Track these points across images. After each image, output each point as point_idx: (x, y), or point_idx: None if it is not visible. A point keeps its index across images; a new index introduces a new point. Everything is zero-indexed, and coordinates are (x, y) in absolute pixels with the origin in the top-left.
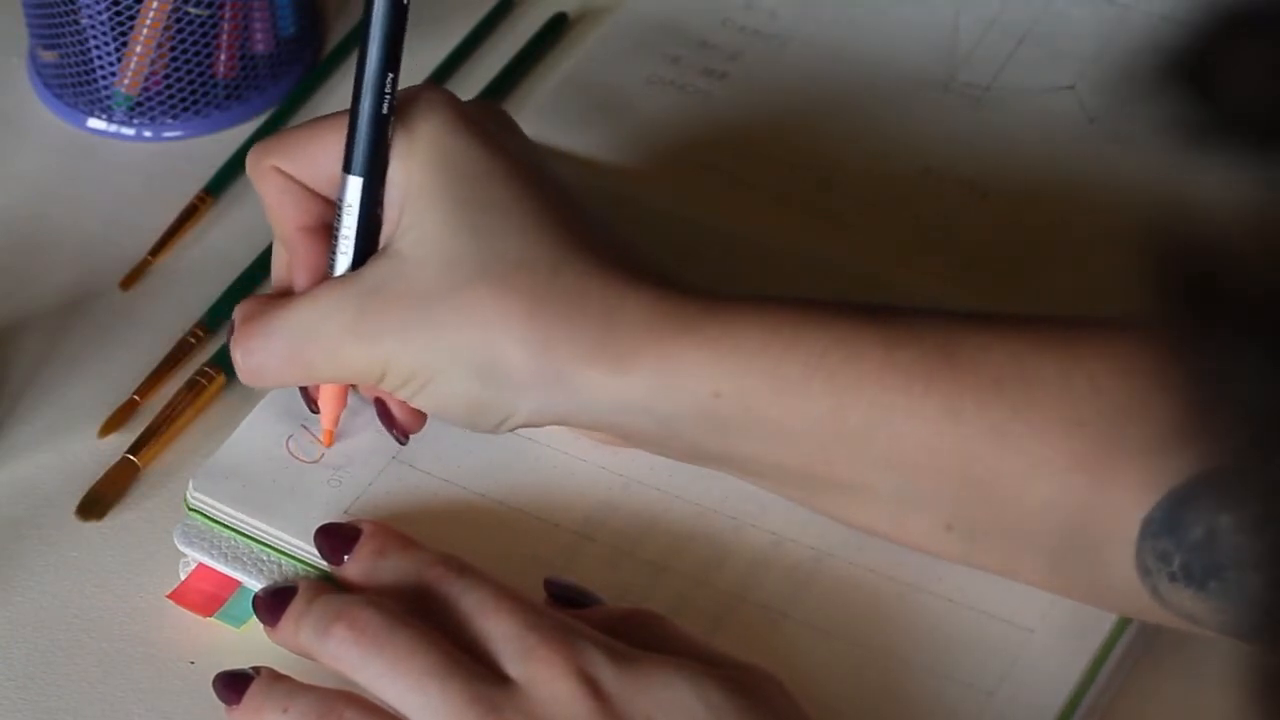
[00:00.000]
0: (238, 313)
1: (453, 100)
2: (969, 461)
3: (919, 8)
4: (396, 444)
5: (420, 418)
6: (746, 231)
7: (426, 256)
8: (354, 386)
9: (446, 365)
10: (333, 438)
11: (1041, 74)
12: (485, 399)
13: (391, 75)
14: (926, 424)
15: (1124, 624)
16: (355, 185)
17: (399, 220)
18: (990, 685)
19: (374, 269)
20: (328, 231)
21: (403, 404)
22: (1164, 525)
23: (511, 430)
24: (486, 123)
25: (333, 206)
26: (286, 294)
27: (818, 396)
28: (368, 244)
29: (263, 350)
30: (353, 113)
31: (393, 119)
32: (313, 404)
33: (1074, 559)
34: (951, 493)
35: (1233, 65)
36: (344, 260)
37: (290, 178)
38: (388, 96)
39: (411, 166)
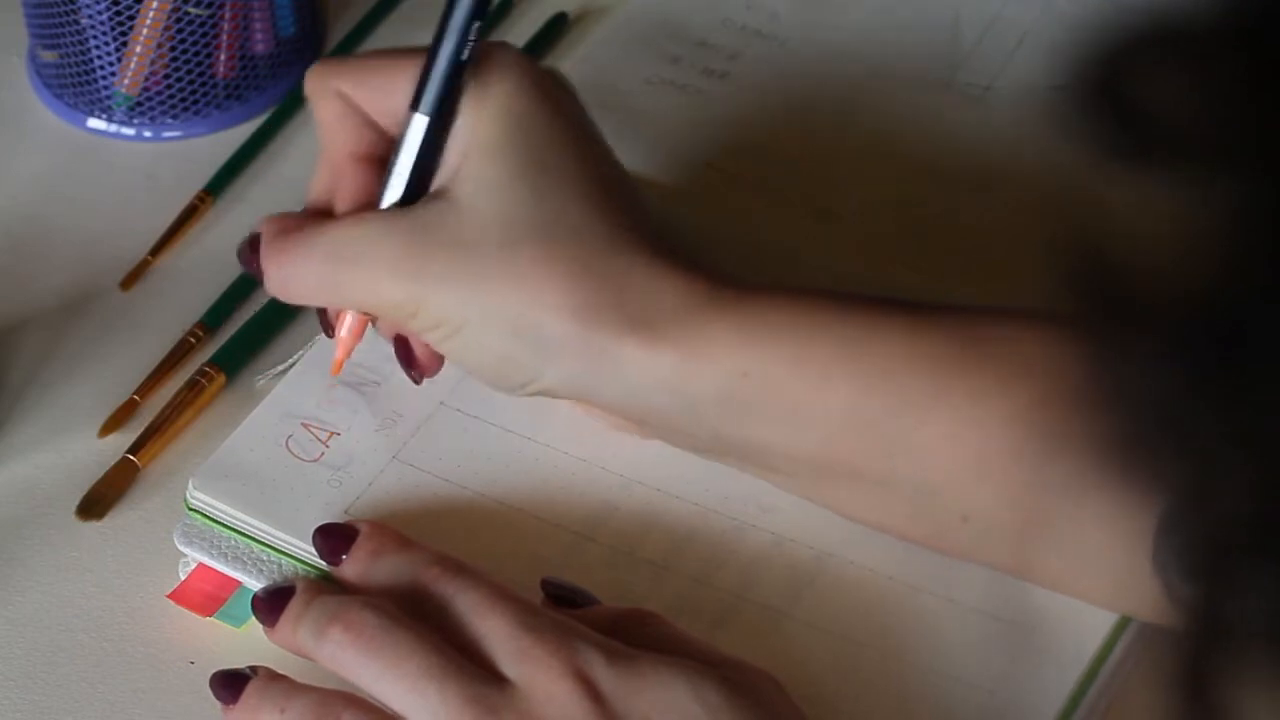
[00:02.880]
0: (267, 226)
1: (527, 61)
2: (988, 451)
3: (919, 8)
4: (396, 444)
5: (438, 360)
6: (747, 232)
7: (483, 208)
8: (373, 322)
9: (480, 317)
10: (340, 368)
11: (1041, 74)
12: (514, 357)
13: (478, 23)
14: (949, 411)
15: (1124, 624)
16: (420, 124)
17: (458, 168)
18: (990, 685)
19: (427, 209)
20: (379, 163)
21: (425, 345)
22: (1180, 520)
23: (532, 395)
24: (555, 90)
25: (388, 139)
26: (320, 215)
27: (840, 381)
28: (419, 185)
29: (300, 263)
30: (431, 53)
31: (469, 67)
32: (329, 328)
33: (1088, 555)
34: (970, 483)
35: (1144, 85)
36: (392, 195)
37: (351, 103)
38: (471, 43)
39: (481, 118)
